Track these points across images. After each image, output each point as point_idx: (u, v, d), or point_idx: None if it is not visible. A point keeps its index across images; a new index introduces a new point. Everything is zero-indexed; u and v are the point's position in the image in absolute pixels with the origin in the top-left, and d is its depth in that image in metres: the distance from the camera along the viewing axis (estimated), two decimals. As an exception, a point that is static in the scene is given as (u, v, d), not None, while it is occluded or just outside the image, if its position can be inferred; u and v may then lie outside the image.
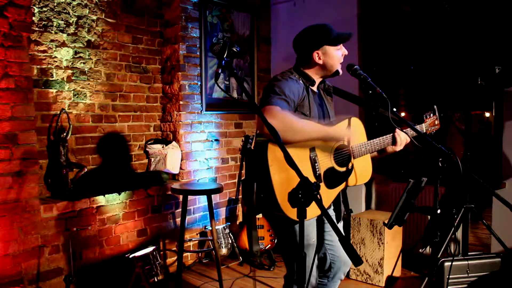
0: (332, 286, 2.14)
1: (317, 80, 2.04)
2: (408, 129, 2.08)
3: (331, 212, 2.09)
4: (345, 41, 2.00)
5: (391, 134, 2.06)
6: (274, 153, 1.74)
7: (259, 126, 1.73)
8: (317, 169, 1.88)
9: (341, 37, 1.96)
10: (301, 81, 1.96)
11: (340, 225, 2.15)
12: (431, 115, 2.21)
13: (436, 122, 2.21)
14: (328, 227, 2.07)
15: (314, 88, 2.05)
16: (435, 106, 2.22)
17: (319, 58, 1.96)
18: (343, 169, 1.98)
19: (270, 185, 1.74)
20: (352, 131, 1.97)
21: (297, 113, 1.89)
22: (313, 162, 1.87)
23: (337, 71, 2.00)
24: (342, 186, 2.01)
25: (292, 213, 1.74)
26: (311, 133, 1.78)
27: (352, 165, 2.01)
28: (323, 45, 1.95)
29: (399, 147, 2.07)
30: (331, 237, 2.07)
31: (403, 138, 2.06)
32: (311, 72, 2.00)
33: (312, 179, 1.86)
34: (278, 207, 1.75)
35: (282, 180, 1.75)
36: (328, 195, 1.94)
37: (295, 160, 1.77)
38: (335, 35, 1.95)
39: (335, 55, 1.96)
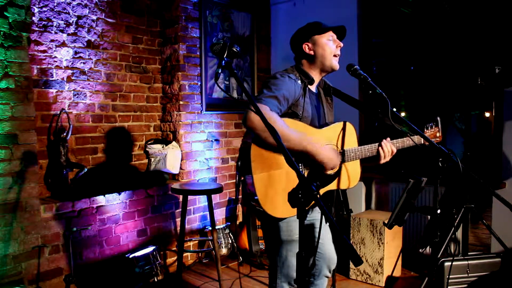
0: (319, 284, 2.11)
1: (316, 78, 2.03)
2: (414, 136, 2.06)
3: (316, 214, 2.06)
4: (333, 30, 1.99)
5: (379, 145, 2.02)
6: (256, 151, 1.79)
7: (244, 119, 1.73)
8: (300, 170, 1.87)
9: (328, 26, 1.97)
10: (299, 80, 1.96)
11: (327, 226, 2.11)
12: (433, 126, 2.15)
13: (438, 134, 2.14)
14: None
15: (313, 88, 2.05)
16: (438, 118, 2.16)
17: (310, 49, 1.98)
18: (330, 172, 1.95)
19: (252, 181, 1.79)
20: (333, 154, 1.87)
21: (290, 112, 1.90)
22: (298, 162, 1.86)
23: (332, 64, 1.98)
24: (328, 188, 1.98)
25: (270, 209, 1.79)
26: (291, 143, 1.73)
27: (340, 168, 1.99)
28: (312, 36, 1.97)
29: (382, 160, 2.03)
30: (317, 234, 2.05)
31: (386, 152, 2.01)
32: (308, 68, 2.02)
33: (293, 179, 1.84)
34: (258, 202, 1.79)
35: (262, 177, 1.80)
36: None
37: (275, 159, 1.79)
38: (322, 25, 1.97)
39: (326, 44, 1.96)
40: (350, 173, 2.03)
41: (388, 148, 2.01)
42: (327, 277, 2.12)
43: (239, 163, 1.90)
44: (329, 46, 1.97)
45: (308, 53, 1.98)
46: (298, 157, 1.83)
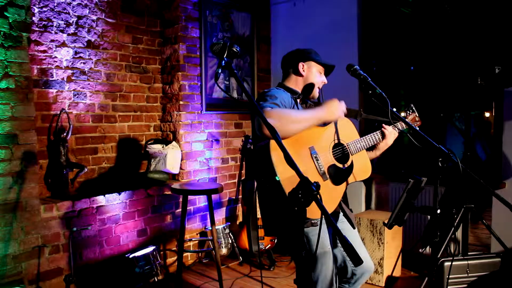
0: None
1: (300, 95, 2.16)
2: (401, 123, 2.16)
3: (343, 218, 2.10)
4: (327, 67, 2.16)
5: (380, 130, 2.15)
6: (277, 153, 1.75)
7: (258, 128, 1.74)
8: (321, 167, 1.91)
9: (326, 62, 2.14)
10: (288, 93, 2.07)
11: (356, 232, 2.15)
12: (410, 112, 2.29)
13: (417, 118, 2.29)
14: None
15: (299, 102, 2.15)
16: (411, 105, 2.31)
17: (303, 70, 2.11)
18: (344, 165, 2.02)
19: (280, 186, 1.73)
20: (337, 105, 1.99)
21: None
22: (316, 160, 1.91)
23: (314, 93, 2.13)
24: (347, 182, 2.04)
25: (308, 211, 1.76)
26: (307, 120, 1.86)
27: (352, 161, 2.03)
28: (310, 60, 2.12)
29: (390, 140, 2.14)
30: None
31: (390, 131, 2.15)
32: (294, 85, 2.14)
33: (318, 176, 1.89)
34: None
35: (291, 179, 1.74)
36: (336, 192, 1.97)
37: (298, 159, 1.80)
38: (321, 58, 2.15)
39: (317, 76, 2.12)
40: (362, 164, 2.09)
41: (389, 129, 2.14)
42: (361, 284, 2.15)
43: (257, 168, 1.90)
44: (319, 78, 2.13)
45: (301, 72, 2.12)
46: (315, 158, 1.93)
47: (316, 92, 2.14)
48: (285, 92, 2.06)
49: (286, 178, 1.75)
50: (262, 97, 1.97)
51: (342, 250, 2.07)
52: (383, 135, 2.13)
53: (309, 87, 2.12)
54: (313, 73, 2.12)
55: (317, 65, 2.12)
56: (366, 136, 2.11)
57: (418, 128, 2.22)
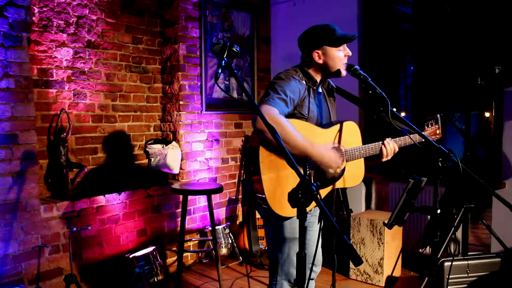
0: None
1: (320, 80, 2.03)
2: (415, 135, 2.06)
3: (313, 218, 2.09)
4: (347, 42, 1.96)
5: (383, 142, 2.05)
6: (265, 152, 1.79)
7: (253, 121, 1.73)
8: (307, 170, 1.89)
9: (342, 38, 1.93)
10: (304, 81, 1.95)
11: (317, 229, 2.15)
12: (433, 123, 2.17)
13: (438, 131, 2.18)
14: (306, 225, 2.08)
15: (317, 88, 2.05)
16: (438, 115, 2.17)
17: (319, 58, 1.95)
18: (337, 170, 1.98)
19: (260, 182, 1.79)
20: (335, 155, 1.86)
21: (295, 112, 1.90)
22: (304, 162, 1.88)
23: (339, 72, 1.97)
24: (334, 186, 2.02)
25: (278, 208, 1.81)
26: (295, 146, 1.73)
27: (344, 168, 2.01)
28: (323, 45, 1.93)
29: (385, 158, 2.05)
30: (308, 235, 2.07)
31: (389, 150, 2.03)
32: (313, 71, 1.99)
33: None
34: (266, 202, 1.82)
35: (271, 177, 1.80)
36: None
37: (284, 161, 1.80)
38: (336, 36, 1.92)
39: (336, 56, 1.93)
40: (355, 171, 2.06)
41: (391, 146, 2.04)
42: (312, 280, 2.14)
43: (246, 164, 1.92)
44: (340, 58, 1.95)
45: (317, 62, 1.95)
46: (304, 160, 1.84)
47: (342, 70, 1.96)
48: (300, 81, 1.91)
49: (268, 176, 1.79)
50: (272, 85, 1.85)
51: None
52: (381, 153, 2.03)
53: (333, 70, 1.96)
54: (332, 58, 1.93)
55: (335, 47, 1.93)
56: (368, 145, 2.03)
57: (431, 138, 2.15)
